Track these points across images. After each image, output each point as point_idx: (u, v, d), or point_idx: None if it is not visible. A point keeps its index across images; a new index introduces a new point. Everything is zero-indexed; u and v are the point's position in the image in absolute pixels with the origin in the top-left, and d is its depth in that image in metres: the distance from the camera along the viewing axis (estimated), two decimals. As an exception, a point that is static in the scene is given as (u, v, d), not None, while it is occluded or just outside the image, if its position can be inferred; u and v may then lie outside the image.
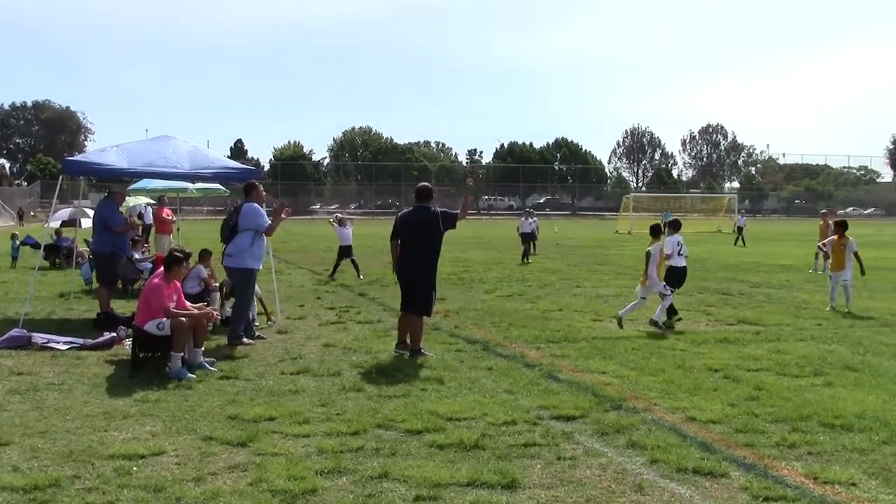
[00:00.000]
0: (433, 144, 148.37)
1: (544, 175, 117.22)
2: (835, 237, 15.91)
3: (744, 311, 14.87)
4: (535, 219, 28.20)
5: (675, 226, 13.81)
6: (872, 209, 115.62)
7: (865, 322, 13.75)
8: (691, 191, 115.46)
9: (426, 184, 10.83)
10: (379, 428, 7.08)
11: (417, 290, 10.40)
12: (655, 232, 13.25)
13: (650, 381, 8.97)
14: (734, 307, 15.35)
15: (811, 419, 7.41)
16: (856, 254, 15.43)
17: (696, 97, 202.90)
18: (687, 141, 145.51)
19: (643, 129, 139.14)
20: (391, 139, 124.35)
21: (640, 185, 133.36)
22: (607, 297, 16.82)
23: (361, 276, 19.83)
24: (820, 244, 23.61)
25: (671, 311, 12.97)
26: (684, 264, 13.76)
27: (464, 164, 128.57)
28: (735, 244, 38.54)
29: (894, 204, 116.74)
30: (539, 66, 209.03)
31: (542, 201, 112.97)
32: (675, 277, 13.49)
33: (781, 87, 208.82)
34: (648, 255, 12.91)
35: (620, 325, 12.60)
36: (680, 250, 13.58)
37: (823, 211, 28.99)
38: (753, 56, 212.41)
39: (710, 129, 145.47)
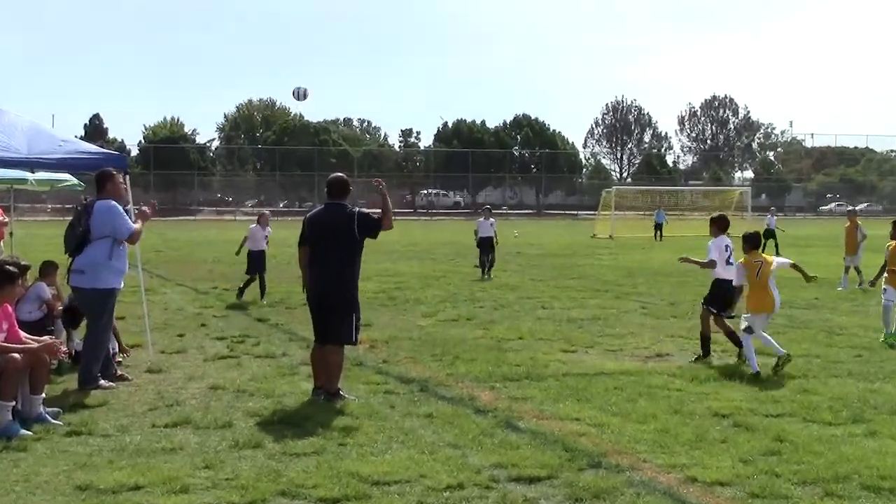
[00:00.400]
0: (356, 123, 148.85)
1: (500, 163, 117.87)
2: (892, 243, 15.27)
3: (759, 337, 15.02)
4: (494, 219, 27.98)
5: (721, 225, 13.33)
6: (866, 204, 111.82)
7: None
8: (691, 183, 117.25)
9: (340, 175, 10.88)
10: (283, 496, 7.02)
11: (333, 310, 10.39)
12: (754, 241, 12.84)
13: (638, 430, 9.02)
14: (746, 333, 15.51)
15: (850, 480, 7.48)
16: None
17: (698, 60, 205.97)
18: (686, 118, 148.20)
19: (629, 102, 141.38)
20: (301, 116, 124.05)
21: (624, 175, 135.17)
22: (581, 321, 16.95)
23: (265, 300, 19.72)
24: (851, 262, 23.73)
25: (706, 345, 13.03)
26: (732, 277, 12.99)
27: (396, 148, 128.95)
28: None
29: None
30: (493, 22, 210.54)
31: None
32: (722, 295, 12.94)
33: (808, 46, 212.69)
34: (770, 265, 12.40)
35: (780, 366, 11.89)
36: (729, 257, 12.98)
37: (850, 209, 29.23)
38: (772, 5, 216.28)
39: (716, 103, 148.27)
